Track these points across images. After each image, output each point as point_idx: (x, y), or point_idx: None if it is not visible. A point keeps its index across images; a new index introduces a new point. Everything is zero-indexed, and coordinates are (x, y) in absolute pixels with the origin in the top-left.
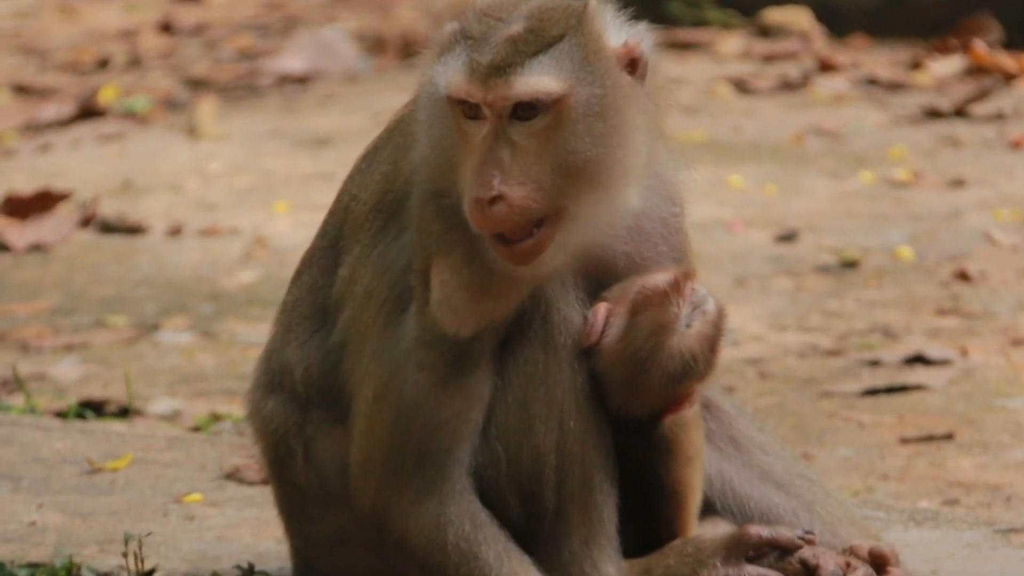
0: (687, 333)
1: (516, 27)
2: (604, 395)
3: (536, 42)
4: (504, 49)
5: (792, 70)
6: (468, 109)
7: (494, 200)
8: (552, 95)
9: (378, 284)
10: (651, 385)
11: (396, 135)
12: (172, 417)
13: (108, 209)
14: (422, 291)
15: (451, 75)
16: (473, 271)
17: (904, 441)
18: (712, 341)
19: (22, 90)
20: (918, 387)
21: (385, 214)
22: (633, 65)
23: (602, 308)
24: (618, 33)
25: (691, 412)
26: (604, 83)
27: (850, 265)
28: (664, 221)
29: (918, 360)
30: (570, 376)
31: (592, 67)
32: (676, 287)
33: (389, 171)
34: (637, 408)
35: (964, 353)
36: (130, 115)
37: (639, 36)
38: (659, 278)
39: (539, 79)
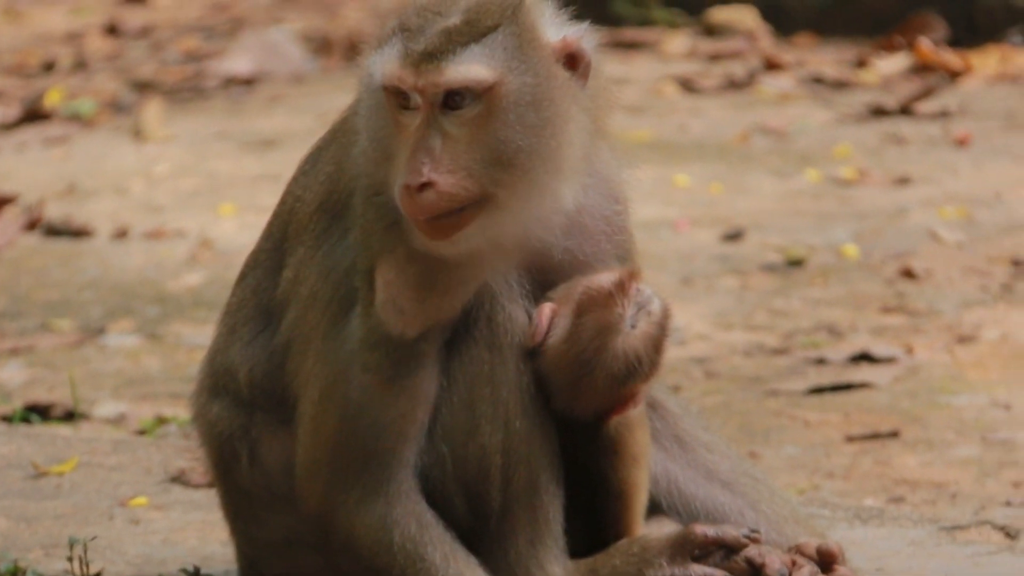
0: (632, 334)
1: (452, 19)
2: (549, 395)
3: (470, 32)
4: (437, 38)
5: (738, 69)
6: (402, 99)
7: (423, 187)
8: (483, 83)
9: (323, 285)
10: (596, 386)
11: (340, 135)
12: (118, 421)
13: (54, 212)
14: (367, 292)
15: (385, 64)
16: (417, 270)
17: (849, 439)
18: (657, 342)
19: None
20: (863, 385)
21: (329, 215)
22: (572, 62)
23: (547, 308)
24: (556, 29)
25: (637, 412)
26: (537, 74)
27: (796, 263)
28: (607, 219)
29: (863, 358)
30: (516, 376)
31: (525, 58)
32: (621, 287)
33: (333, 171)
34: (582, 408)
35: (909, 351)
36: (76, 118)
37: (579, 33)
38: (604, 278)
39: (470, 67)
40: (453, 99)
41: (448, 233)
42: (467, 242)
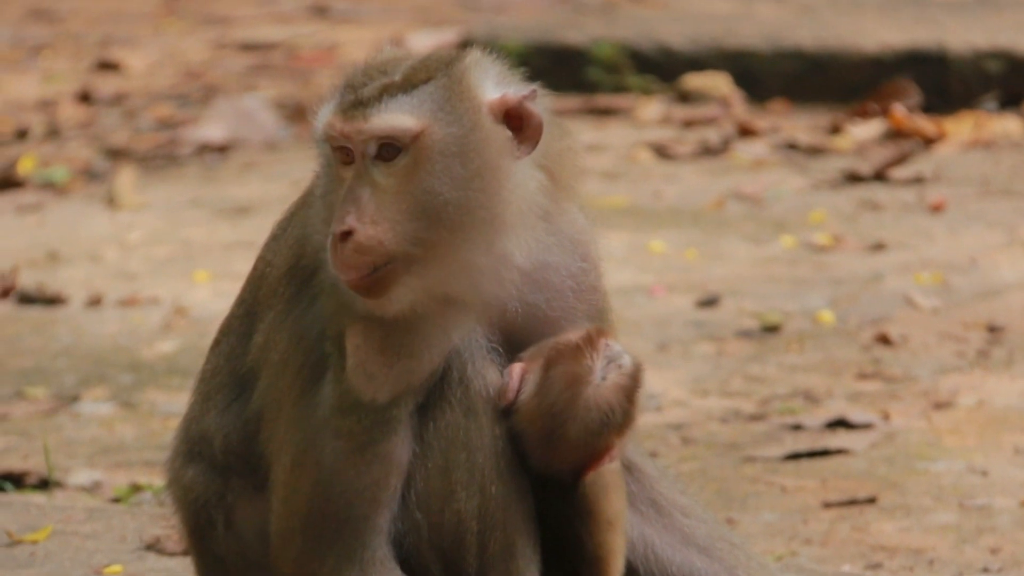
0: (603, 385)
1: (393, 76)
2: (525, 454)
3: (402, 85)
4: (371, 91)
5: (712, 135)
6: (342, 153)
7: (345, 236)
8: (408, 132)
9: (293, 351)
10: (569, 439)
11: (309, 199)
12: (92, 488)
13: (27, 280)
14: (337, 358)
15: (323, 116)
16: (383, 334)
17: (827, 505)
18: (628, 392)
19: None
20: (840, 451)
21: (298, 280)
22: (517, 121)
23: (517, 367)
24: (497, 86)
25: (612, 475)
26: (463, 125)
27: (771, 329)
28: (575, 277)
29: (840, 424)
30: (491, 441)
31: (454, 110)
32: (590, 341)
33: (302, 236)
34: (558, 464)
35: (886, 417)
36: (49, 185)
37: (522, 92)
38: (572, 334)
39: (395, 115)
40: (385, 150)
41: (377, 292)
42: (401, 300)
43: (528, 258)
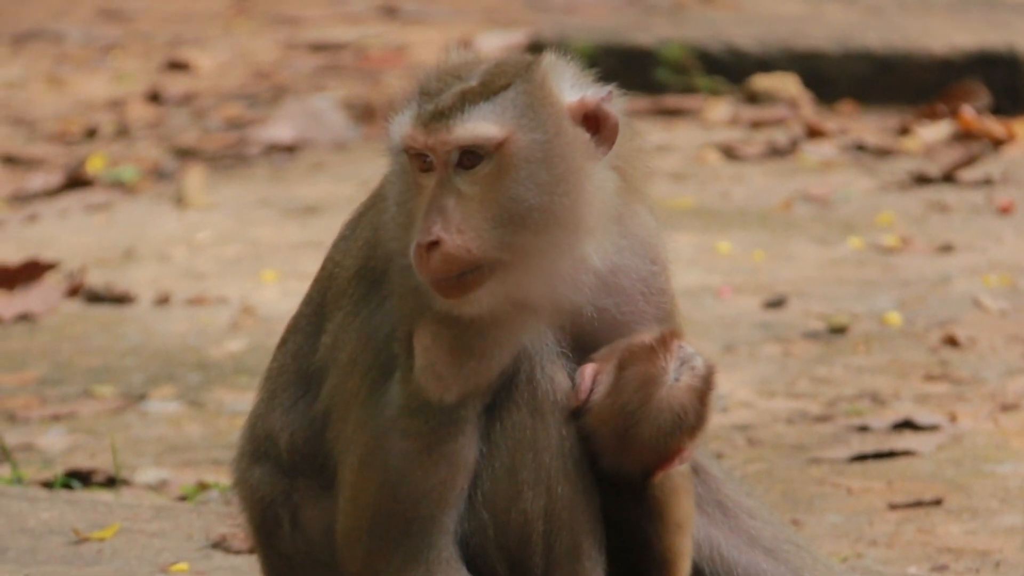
0: (676, 386)
1: (470, 82)
2: (595, 454)
3: (482, 92)
4: (451, 99)
5: (780, 136)
6: (421, 161)
7: (432, 246)
8: (492, 140)
9: (362, 351)
10: (641, 439)
11: (379, 201)
12: (159, 487)
13: (95, 279)
14: (406, 358)
15: (401, 126)
16: (453, 335)
17: (893, 507)
18: (702, 395)
19: (10, 160)
20: (907, 453)
21: (368, 281)
22: (594, 123)
23: (590, 368)
24: (575, 89)
25: (681, 478)
26: (546, 131)
27: (838, 331)
28: (644, 280)
29: (907, 426)
30: (558, 441)
31: (536, 115)
32: (663, 343)
33: (371, 237)
34: (629, 465)
35: (953, 419)
36: (118, 185)
37: (599, 94)
38: (645, 336)
39: (478, 124)
40: (467, 158)
41: (460, 293)
42: (483, 302)
43: (603, 261)
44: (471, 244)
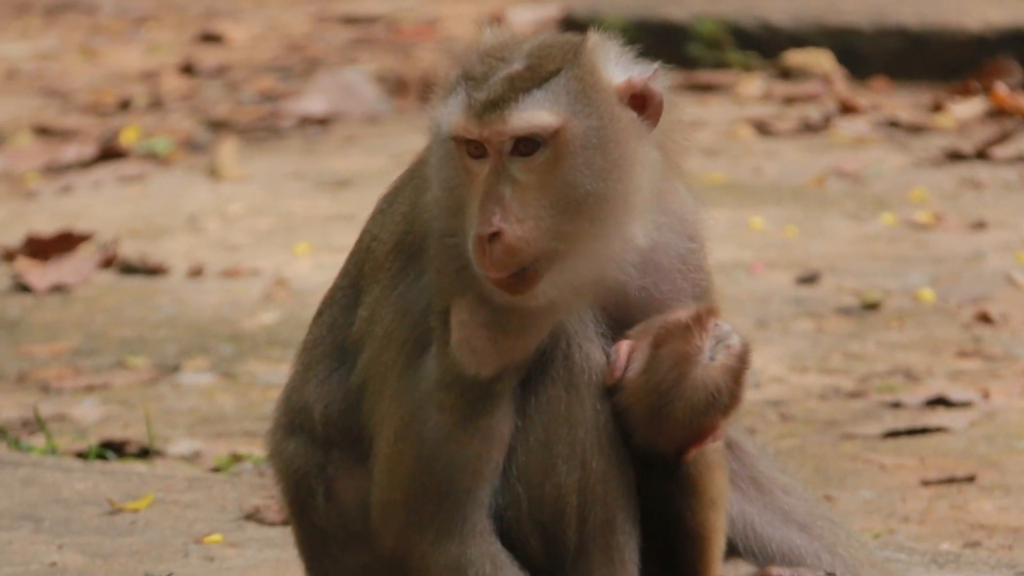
0: (711, 365)
1: (515, 65)
2: (629, 431)
3: (533, 78)
4: (501, 86)
5: (813, 112)
6: (472, 148)
7: (493, 237)
8: (548, 128)
9: (398, 325)
10: (675, 417)
11: (416, 176)
12: (192, 458)
13: (129, 250)
14: (442, 332)
15: (452, 114)
16: (490, 310)
17: (925, 483)
18: (736, 374)
19: (44, 131)
20: (939, 429)
21: (405, 255)
22: (640, 102)
23: (625, 344)
24: (622, 69)
25: (716, 454)
26: (602, 116)
27: (871, 307)
28: (682, 257)
29: (940, 402)
30: (593, 415)
31: (589, 100)
32: (698, 321)
33: (409, 212)
34: (662, 442)
35: (986, 395)
36: (151, 156)
37: (645, 73)
38: (681, 313)
39: (534, 113)
40: (521, 146)
41: (522, 289)
42: (546, 294)
43: (647, 240)
44: (530, 234)
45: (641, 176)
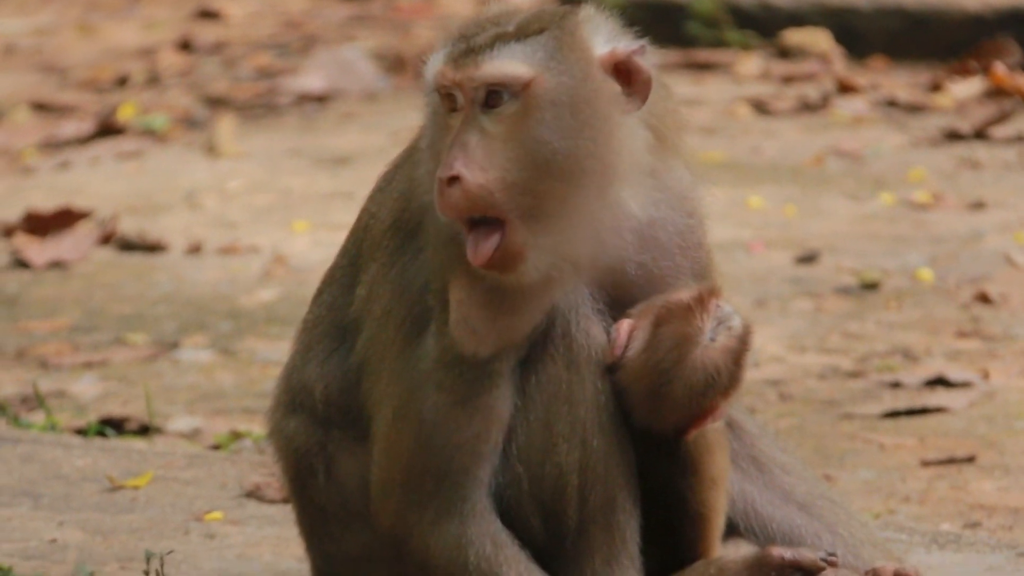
0: (711, 346)
1: (505, 27)
2: (628, 410)
3: (515, 35)
4: (483, 39)
5: (811, 91)
6: (450, 101)
7: (452, 181)
8: (519, 79)
9: (396, 304)
10: (674, 397)
11: (414, 153)
12: (192, 435)
13: (127, 227)
14: (440, 311)
15: (433, 65)
16: (488, 289)
17: (925, 463)
18: (737, 355)
19: (41, 107)
20: (939, 409)
21: (403, 233)
22: (625, 75)
23: (625, 323)
24: (607, 40)
25: (716, 434)
26: (574, 76)
27: (870, 287)
28: (681, 234)
29: (939, 382)
30: (593, 394)
31: (565, 60)
32: (700, 302)
33: (406, 189)
34: (661, 422)
35: (985, 376)
36: (149, 133)
37: (633, 47)
38: (683, 293)
39: (506, 62)
40: (493, 97)
41: (510, 267)
42: (536, 269)
43: (642, 211)
44: (493, 184)
45: (621, 146)
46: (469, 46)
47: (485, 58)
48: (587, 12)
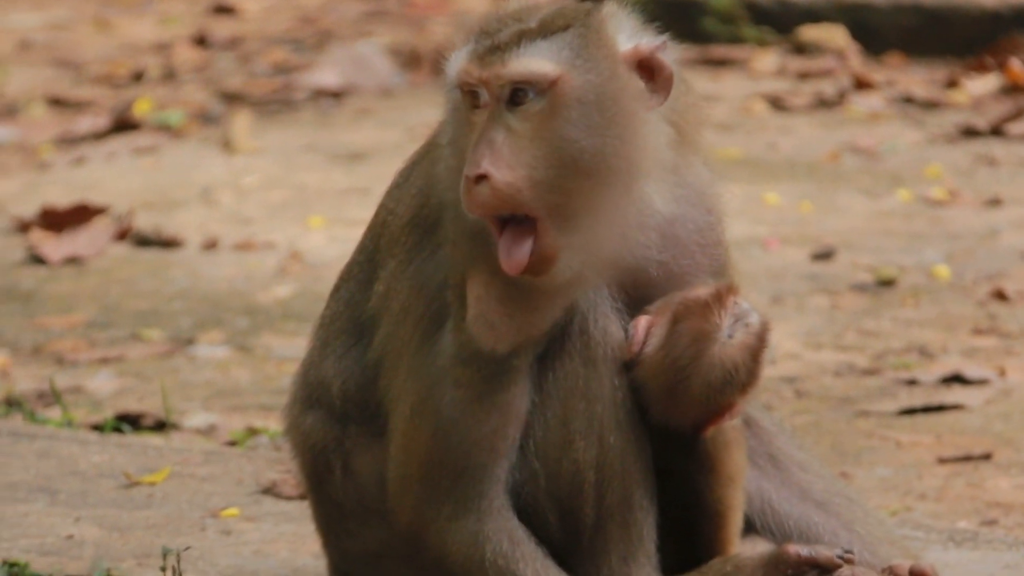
0: (729, 343)
1: (528, 24)
2: (645, 406)
3: (540, 31)
4: (507, 36)
5: (828, 88)
6: (473, 98)
7: (480, 179)
8: (546, 77)
9: (414, 300)
10: (692, 394)
11: (432, 149)
12: (208, 431)
13: (143, 222)
14: (458, 307)
15: (457, 62)
16: (507, 285)
17: (942, 461)
18: (754, 352)
19: (57, 103)
20: (955, 407)
21: (421, 229)
22: (648, 71)
23: (643, 320)
24: (631, 36)
25: (734, 431)
26: (600, 73)
27: (886, 284)
28: (701, 231)
29: (955, 379)
30: (610, 391)
31: (591, 57)
32: (718, 298)
33: (425, 185)
34: (678, 419)
35: (1002, 373)
36: (164, 128)
37: (655, 43)
38: (701, 290)
39: (533, 59)
40: (519, 95)
41: (543, 268)
42: (569, 268)
43: (665, 207)
44: (520, 182)
45: (645, 142)
46: (494, 43)
47: (511, 56)
48: (610, 8)
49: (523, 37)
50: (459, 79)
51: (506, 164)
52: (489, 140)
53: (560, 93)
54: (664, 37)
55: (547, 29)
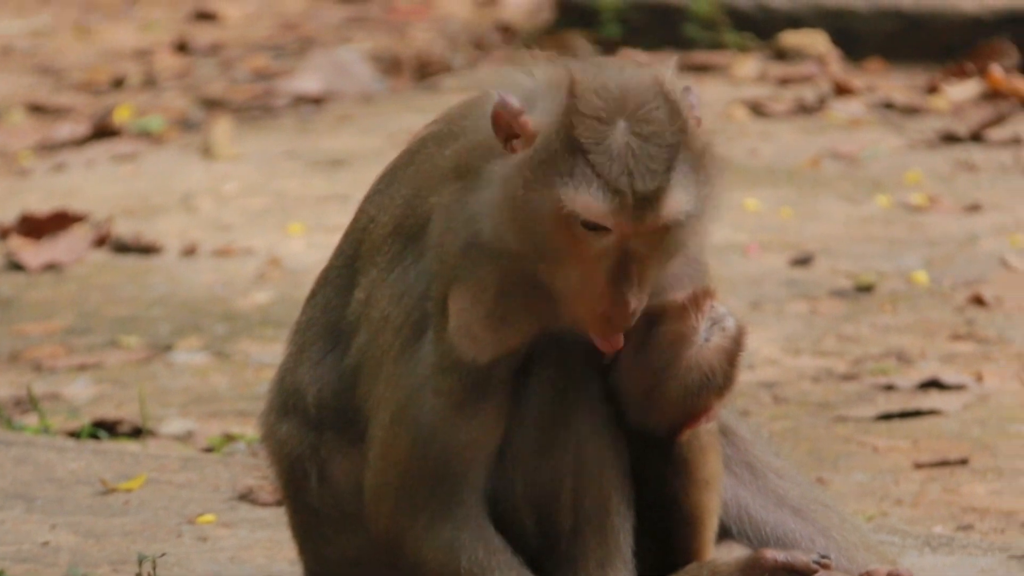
0: (705, 346)
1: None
2: (622, 411)
3: (661, 156)
4: (644, 181)
5: (808, 93)
6: (599, 228)
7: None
8: (692, 213)
9: (395, 309)
10: (668, 397)
11: (418, 158)
12: (185, 438)
13: (122, 229)
14: (440, 317)
15: (590, 201)
16: (492, 299)
17: (918, 466)
18: (731, 356)
19: (37, 109)
20: (933, 412)
21: (404, 238)
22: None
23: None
24: (694, 111)
25: (709, 435)
26: (713, 184)
27: (865, 289)
28: None
29: (933, 385)
30: (586, 396)
31: (703, 167)
32: (695, 302)
33: (410, 196)
34: (654, 422)
35: (979, 379)
36: (145, 135)
37: (695, 101)
38: (678, 294)
39: (679, 201)
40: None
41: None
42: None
43: None
44: (647, 295)
45: None
46: (637, 190)
47: (662, 204)
48: (679, 90)
49: (654, 171)
50: (601, 224)
51: (642, 292)
52: (627, 276)
53: (684, 214)
54: (689, 85)
55: (665, 151)
